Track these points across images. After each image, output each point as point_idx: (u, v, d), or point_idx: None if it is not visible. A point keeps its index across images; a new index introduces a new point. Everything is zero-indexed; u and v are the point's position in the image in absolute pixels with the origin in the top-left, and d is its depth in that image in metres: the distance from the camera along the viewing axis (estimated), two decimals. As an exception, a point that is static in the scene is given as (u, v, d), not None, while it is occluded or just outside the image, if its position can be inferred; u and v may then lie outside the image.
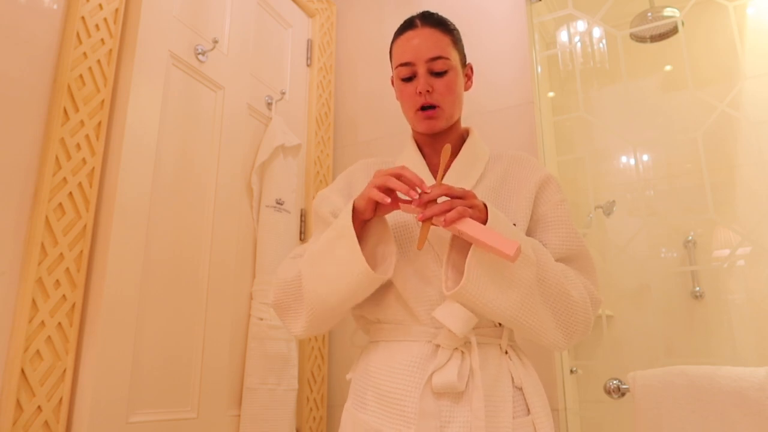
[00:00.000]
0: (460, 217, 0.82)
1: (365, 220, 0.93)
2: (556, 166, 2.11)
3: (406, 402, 0.88)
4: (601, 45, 2.58)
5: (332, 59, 2.20)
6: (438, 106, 1.02)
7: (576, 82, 2.05)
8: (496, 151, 1.12)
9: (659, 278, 2.46)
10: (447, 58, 1.01)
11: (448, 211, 0.83)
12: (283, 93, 1.91)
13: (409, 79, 1.03)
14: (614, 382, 1.50)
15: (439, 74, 1.01)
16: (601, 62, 2.56)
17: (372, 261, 0.91)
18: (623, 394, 1.48)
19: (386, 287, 0.97)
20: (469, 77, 1.11)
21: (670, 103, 2.47)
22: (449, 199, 0.86)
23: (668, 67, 2.60)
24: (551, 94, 2.54)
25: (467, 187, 1.02)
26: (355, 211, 0.91)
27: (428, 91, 1.00)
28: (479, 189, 1.03)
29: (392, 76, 1.09)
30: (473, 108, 1.90)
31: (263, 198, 1.73)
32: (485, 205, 0.88)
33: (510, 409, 0.88)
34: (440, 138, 1.08)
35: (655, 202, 2.49)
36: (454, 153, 1.08)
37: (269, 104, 1.85)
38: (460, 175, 1.04)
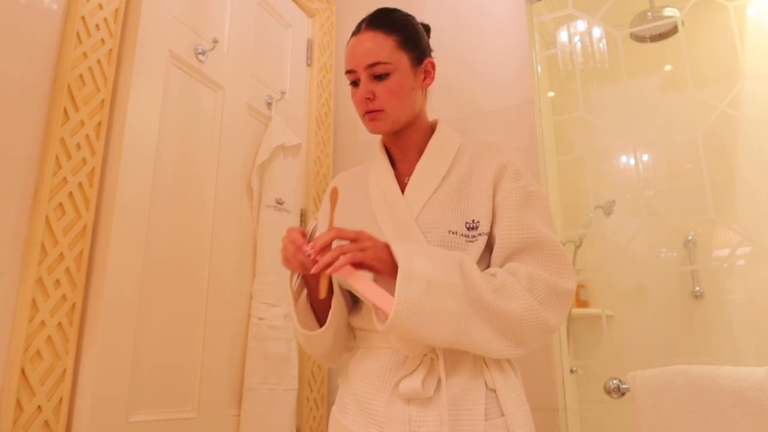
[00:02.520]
0: (344, 265, 0.82)
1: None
2: (556, 166, 2.11)
3: (376, 407, 0.90)
4: (601, 45, 2.58)
5: (332, 59, 2.20)
6: (381, 110, 1.01)
7: (576, 82, 2.05)
8: (467, 141, 1.10)
9: (659, 278, 2.46)
10: (387, 62, 1.00)
11: (337, 258, 0.82)
12: (283, 93, 1.91)
13: (355, 85, 1.03)
14: (614, 382, 1.50)
15: (380, 77, 1.00)
16: (601, 62, 2.56)
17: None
18: (623, 394, 1.48)
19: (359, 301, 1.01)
20: (428, 74, 1.08)
21: (670, 103, 2.47)
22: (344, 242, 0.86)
23: (668, 67, 2.60)
24: (551, 94, 2.54)
25: (431, 188, 1.01)
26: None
27: (368, 98, 1.01)
28: (443, 188, 1.01)
29: None
30: (473, 108, 1.90)
31: (263, 198, 1.73)
32: (386, 244, 0.87)
33: (481, 412, 0.88)
34: (402, 137, 1.07)
35: (655, 202, 2.49)
36: (421, 150, 1.07)
37: (269, 104, 1.85)
38: (425, 175, 1.03)
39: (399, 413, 0.88)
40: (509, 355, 0.89)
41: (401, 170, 1.08)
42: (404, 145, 1.08)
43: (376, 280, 0.87)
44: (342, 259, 0.82)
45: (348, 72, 1.03)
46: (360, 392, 0.94)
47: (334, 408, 1.02)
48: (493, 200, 1.00)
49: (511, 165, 1.01)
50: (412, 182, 1.03)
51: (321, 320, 0.98)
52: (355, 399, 0.95)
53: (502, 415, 0.90)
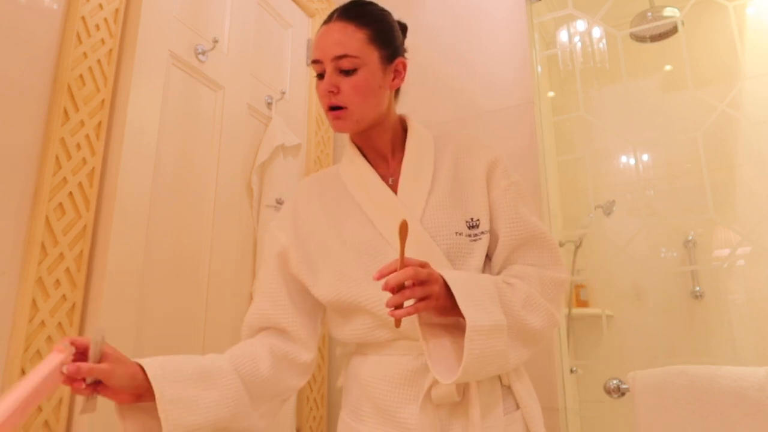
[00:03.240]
0: (411, 314, 0.79)
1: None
2: (556, 166, 2.11)
3: (407, 415, 0.89)
4: (601, 45, 2.58)
5: (332, 59, 2.19)
6: (345, 107, 0.96)
7: (576, 82, 2.05)
8: (440, 135, 1.07)
9: (659, 278, 2.46)
10: (355, 57, 0.94)
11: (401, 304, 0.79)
12: (283, 93, 1.91)
13: (321, 76, 0.98)
14: (614, 381, 1.50)
15: (348, 73, 0.95)
16: (601, 62, 2.56)
17: None
18: (623, 394, 1.48)
19: (364, 313, 0.94)
20: (398, 74, 1.02)
21: (670, 103, 2.47)
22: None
23: (668, 67, 2.60)
24: (551, 94, 2.54)
25: (426, 189, 0.99)
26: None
27: (332, 91, 0.96)
28: (436, 191, 0.99)
29: None
30: (473, 108, 1.90)
31: (263, 198, 1.73)
32: (445, 281, 0.83)
33: (501, 407, 0.91)
34: (372, 137, 1.03)
35: (655, 202, 2.49)
36: (393, 149, 1.04)
37: (269, 104, 1.85)
38: (414, 176, 1.00)
39: (431, 419, 0.88)
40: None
41: (379, 172, 1.04)
42: (375, 145, 1.04)
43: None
44: (411, 308, 0.79)
45: (314, 62, 0.98)
46: (382, 401, 0.91)
47: (345, 414, 0.98)
48: (489, 197, 1.00)
49: (500, 161, 1.02)
50: (403, 184, 1.00)
51: None
52: (376, 407, 0.92)
53: (518, 408, 0.94)
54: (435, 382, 0.88)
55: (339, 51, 0.95)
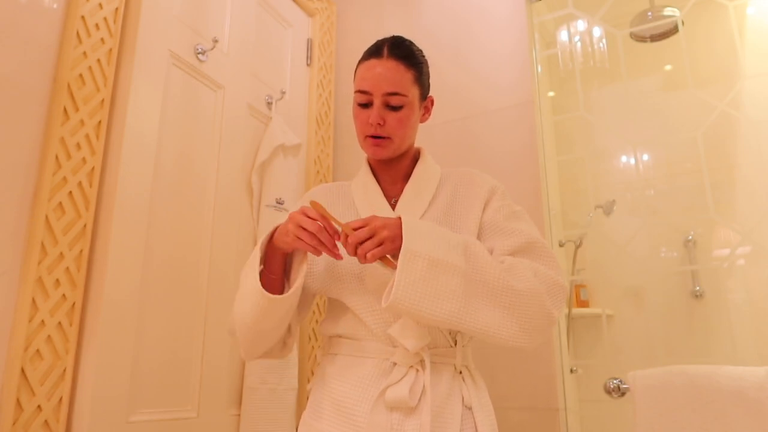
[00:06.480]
0: (375, 258, 0.88)
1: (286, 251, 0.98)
2: (556, 166, 2.11)
3: (358, 413, 0.91)
4: (601, 44, 2.58)
5: (332, 59, 2.20)
6: (387, 137, 1.05)
7: (576, 81, 2.05)
8: (447, 170, 1.16)
9: (659, 278, 2.46)
10: (404, 95, 1.03)
11: (365, 253, 0.88)
12: (284, 92, 1.91)
13: (364, 106, 1.05)
14: (614, 381, 1.50)
15: (394, 108, 1.03)
16: (601, 62, 2.56)
17: (280, 285, 1.00)
18: (623, 394, 1.48)
19: (345, 306, 1.01)
20: (428, 110, 1.13)
21: (670, 103, 2.47)
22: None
23: (668, 67, 2.60)
24: (551, 93, 2.54)
25: (420, 209, 1.05)
26: (276, 241, 0.99)
27: (380, 123, 1.03)
28: (432, 210, 1.06)
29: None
30: (473, 108, 1.90)
31: (263, 197, 1.73)
32: (400, 221, 0.91)
33: (458, 427, 0.91)
34: (393, 163, 1.12)
35: (655, 202, 2.49)
36: (407, 175, 1.12)
37: (269, 104, 1.85)
38: (412, 198, 1.08)
39: (382, 420, 0.89)
40: (514, 342, 0.90)
41: (387, 192, 1.12)
42: (393, 169, 1.13)
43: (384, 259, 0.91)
44: (370, 255, 0.88)
45: (361, 92, 1.04)
46: (341, 398, 0.94)
47: (305, 413, 1.01)
48: (482, 218, 1.05)
49: (499, 189, 1.09)
50: (402, 203, 1.07)
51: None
52: (334, 404, 0.95)
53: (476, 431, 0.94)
54: (391, 384, 0.91)
55: (392, 88, 1.02)
